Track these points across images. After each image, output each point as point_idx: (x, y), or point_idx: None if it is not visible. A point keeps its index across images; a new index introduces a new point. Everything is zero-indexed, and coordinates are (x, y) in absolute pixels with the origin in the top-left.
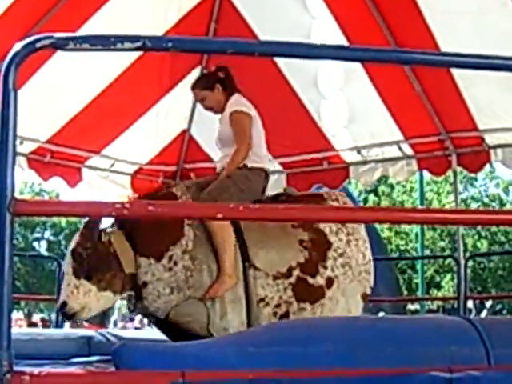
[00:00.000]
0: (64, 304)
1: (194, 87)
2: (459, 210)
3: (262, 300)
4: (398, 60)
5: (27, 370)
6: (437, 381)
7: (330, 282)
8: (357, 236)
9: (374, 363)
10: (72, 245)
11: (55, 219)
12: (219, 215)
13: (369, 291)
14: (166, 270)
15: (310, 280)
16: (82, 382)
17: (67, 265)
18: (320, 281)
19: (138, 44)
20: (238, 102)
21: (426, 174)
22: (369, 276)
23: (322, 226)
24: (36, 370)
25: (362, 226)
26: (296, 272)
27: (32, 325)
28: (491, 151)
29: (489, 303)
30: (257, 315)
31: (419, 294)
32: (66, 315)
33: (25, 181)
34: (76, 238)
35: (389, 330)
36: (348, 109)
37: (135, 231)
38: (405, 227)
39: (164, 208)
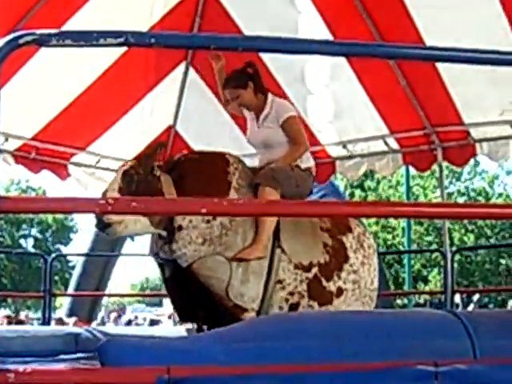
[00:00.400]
0: None
1: (225, 87)
2: (446, 203)
3: (280, 282)
4: (384, 54)
5: (12, 367)
6: (423, 374)
7: (339, 291)
8: (371, 262)
9: (360, 357)
10: (125, 167)
11: (42, 216)
12: (203, 210)
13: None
14: (203, 221)
15: (324, 282)
16: (67, 379)
17: (114, 182)
18: (332, 287)
19: (121, 40)
20: (284, 106)
21: (412, 169)
22: (372, 302)
23: (344, 239)
24: (21, 368)
25: (376, 254)
26: (315, 269)
27: (19, 322)
28: (477, 145)
29: (476, 297)
30: (271, 294)
31: (406, 288)
32: (103, 224)
33: (11, 178)
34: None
35: (374, 324)
36: (334, 104)
37: (182, 180)
38: (391, 222)
39: (148, 204)
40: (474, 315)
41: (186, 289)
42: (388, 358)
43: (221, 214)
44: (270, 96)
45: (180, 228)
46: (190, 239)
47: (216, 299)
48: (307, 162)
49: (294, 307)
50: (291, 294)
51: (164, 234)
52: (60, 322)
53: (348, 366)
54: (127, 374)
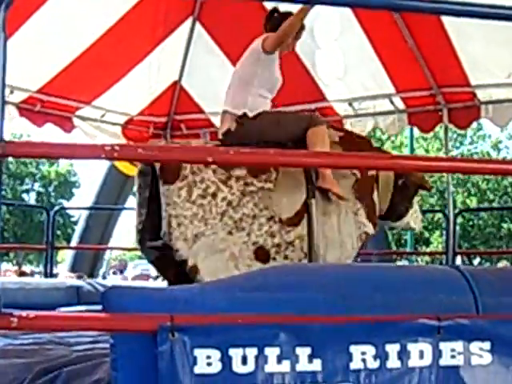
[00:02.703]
0: None
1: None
2: (449, 157)
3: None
4: (388, 6)
5: (16, 312)
6: (425, 328)
7: None
8: None
9: (363, 310)
10: None
11: (44, 171)
12: (209, 159)
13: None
14: None
15: None
16: (70, 324)
17: None
18: None
19: None
20: None
21: (416, 130)
22: None
23: None
24: (24, 313)
25: None
26: None
27: (22, 274)
28: (482, 107)
29: (476, 261)
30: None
31: (408, 249)
32: None
33: (13, 133)
34: None
35: (378, 278)
36: (341, 61)
37: None
38: None
39: (154, 151)
40: (478, 271)
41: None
42: (391, 311)
43: (227, 163)
44: None
45: None
46: None
47: None
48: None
49: None
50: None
51: None
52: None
53: (351, 318)
54: (130, 321)
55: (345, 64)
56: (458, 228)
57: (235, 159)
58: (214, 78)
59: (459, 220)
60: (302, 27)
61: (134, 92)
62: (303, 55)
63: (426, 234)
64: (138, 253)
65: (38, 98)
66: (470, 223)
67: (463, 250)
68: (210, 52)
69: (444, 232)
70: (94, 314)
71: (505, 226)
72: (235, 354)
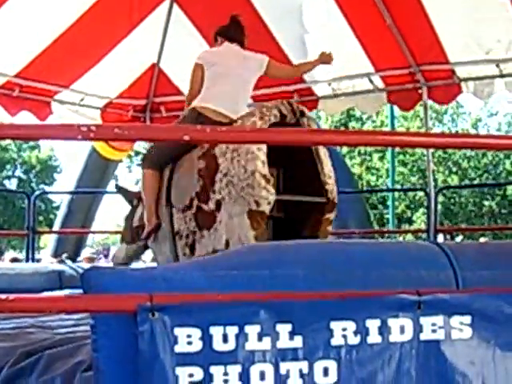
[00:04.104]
0: None
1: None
2: (430, 133)
3: (177, 233)
4: None
5: None
6: (405, 303)
7: (218, 205)
8: (240, 150)
9: (343, 286)
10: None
11: (25, 157)
12: (186, 137)
13: (255, 207)
14: None
15: (205, 207)
16: (50, 306)
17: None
18: (211, 206)
19: None
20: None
21: (397, 109)
22: (252, 190)
23: (216, 149)
24: (3, 295)
25: None
26: (195, 202)
27: (15, 261)
28: (462, 84)
29: (459, 239)
30: (176, 248)
31: (390, 228)
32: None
33: None
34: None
35: (358, 254)
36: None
37: None
38: (376, 163)
39: (131, 130)
40: (457, 246)
41: None
42: (371, 286)
43: (204, 141)
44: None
45: None
46: None
47: None
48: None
49: (191, 247)
50: (187, 236)
51: None
52: (90, 260)
53: (332, 294)
54: (110, 301)
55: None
56: (439, 206)
57: (211, 137)
58: (192, 60)
59: (441, 198)
60: None
61: (113, 75)
62: (279, 37)
63: (409, 213)
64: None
65: (17, 82)
66: (452, 201)
67: (445, 228)
68: (188, 34)
69: (426, 210)
70: (74, 295)
71: (486, 203)
72: (216, 332)
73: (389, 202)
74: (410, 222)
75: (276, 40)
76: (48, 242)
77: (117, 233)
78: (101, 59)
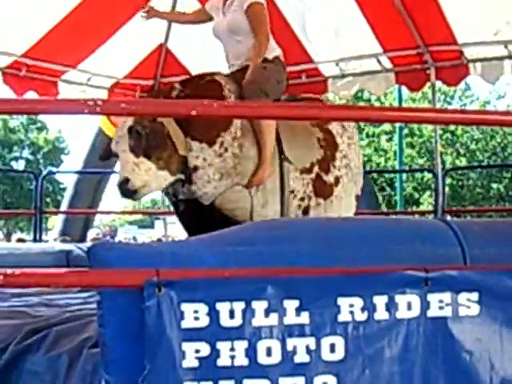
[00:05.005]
0: (126, 180)
1: None
2: (438, 109)
3: (292, 192)
4: None
5: (1, 270)
6: (413, 279)
7: (337, 180)
8: (354, 140)
9: (351, 262)
10: (128, 122)
11: (33, 138)
12: (193, 112)
13: (360, 193)
14: (216, 156)
15: (324, 177)
16: (57, 281)
17: (122, 142)
18: (331, 179)
19: None
20: None
21: (405, 92)
22: (361, 178)
23: (330, 127)
24: (10, 270)
25: (356, 131)
26: (316, 168)
27: (20, 241)
28: (470, 65)
29: None
30: (287, 206)
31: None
32: (128, 191)
33: None
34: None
35: (366, 230)
36: (328, 21)
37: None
38: (383, 144)
39: (138, 106)
40: (465, 223)
41: (207, 223)
42: (378, 263)
43: (211, 115)
44: None
45: (196, 168)
46: (207, 178)
47: None
48: (273, 51)
49: (305, 211)
50: (302, 199)
51: (183, 177)
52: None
53: (340, 270)
54: (116, 276)
55: (333, 25)
56: (447, 189)
57: (218, 112)
58: (199, 40)
59: (448, 181)
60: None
61: (120, 55)
62: (289, 16)
63: (416, 196)
64: (128, 218)
65: (24, 62)
66: (460, 184)
67: (452, 209)
68: None
69: (433, 192)
70: (80, 270)
71: (494, 186)
72: (222, 308)
73: (396, 184)
74: (418, 204)
75: (284, 17)
76: (55, 223)
77: (124, 213)
78: (108, 39)
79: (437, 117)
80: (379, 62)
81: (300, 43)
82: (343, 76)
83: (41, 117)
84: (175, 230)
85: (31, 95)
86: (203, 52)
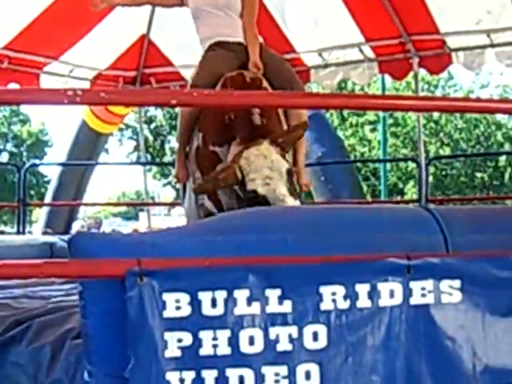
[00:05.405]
0: None
1: None
2: (424, 96)
3: None
4: None
5: None
6: (395, 267)
7: None
8: None
9: (332, 250)
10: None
11: (16, 130)
12: (173, 101)
13: None
14: None
15: None
16: (38, 271)
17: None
18: None
19: None
20: None
21: (388, 82)
22: None
23: None
24: None
25: None
26: None
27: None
28: (452, 54)
29: None
30: None
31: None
32: None
33: None
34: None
35: (348, 218)
36: (310, 11)
37: None
38: (367, 135)
39: (118, 95)
40: (447, 210)
41: None
42: (360, 251)
43: (190, 104)
44: None
45: None
46: None
47: None
48: None
49: None
50: None
51: None
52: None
53: (321, 258)
54: (98, 266)
55: (315, 14)
56: (431, 178)
57: (198, 101)
58: (182, 31)
59: (432, 170)
60: None
61: (102, 46)
62: (271, 6)
63: (400, 185)
64: (113, 210)
65: (6, 54)
66: (444, 173)
67: (436, 198)
68: None
69: (417, 182)
70: (61, 261)
71: (478, 175)
72: (204, 297)
73: (381, 174)
74: (402, 193)
75: (266, 7)
76: (39, 216)
77: (108, 205)
78: (90, 30)
79: (423, 104)
80: (361, 51)
81: (282, 32)
82: (326, 66)
83: (24, 109)
84: (159, 221)
85: (14, 87)
86: (185, 42)
